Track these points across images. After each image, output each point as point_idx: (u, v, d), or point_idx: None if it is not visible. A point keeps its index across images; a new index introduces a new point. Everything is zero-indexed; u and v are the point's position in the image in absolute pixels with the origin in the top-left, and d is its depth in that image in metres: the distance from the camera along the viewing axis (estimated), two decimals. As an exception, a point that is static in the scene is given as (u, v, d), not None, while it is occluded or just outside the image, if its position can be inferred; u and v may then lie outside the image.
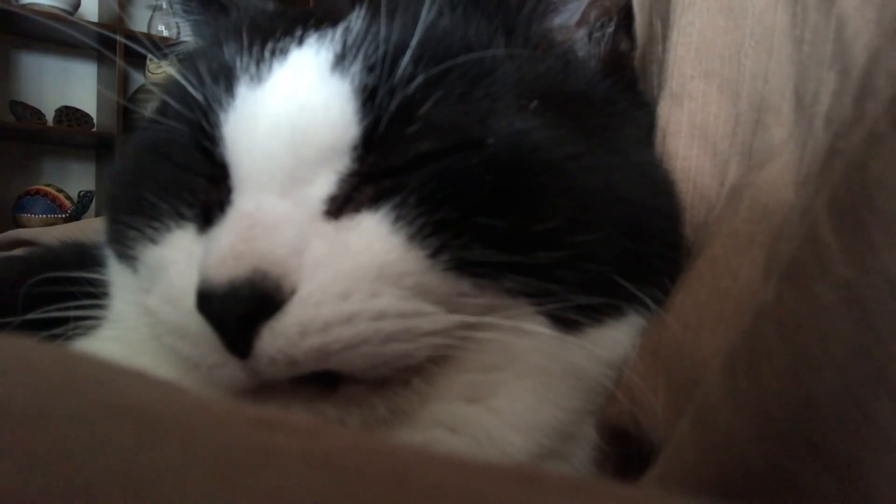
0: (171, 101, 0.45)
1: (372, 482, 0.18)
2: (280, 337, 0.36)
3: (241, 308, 0.35)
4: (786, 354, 0.26)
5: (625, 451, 0.41)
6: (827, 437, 0.25)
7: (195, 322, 0.37)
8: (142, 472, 0.16)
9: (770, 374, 0.27)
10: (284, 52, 0.42)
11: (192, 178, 0.44)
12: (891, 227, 0.24)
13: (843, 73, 0.41)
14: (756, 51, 0.48)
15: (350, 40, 0.42)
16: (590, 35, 0.50)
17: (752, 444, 0.27)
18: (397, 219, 0.38)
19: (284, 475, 0.17)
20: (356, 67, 0.40)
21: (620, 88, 0.50)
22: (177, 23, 0.62)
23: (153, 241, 0.44)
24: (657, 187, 0.46)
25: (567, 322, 0.40)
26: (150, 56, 0.53)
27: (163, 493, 0.15)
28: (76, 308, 0.46)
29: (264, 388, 0.38)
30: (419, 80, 0.39)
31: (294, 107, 0.40)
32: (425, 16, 0.41)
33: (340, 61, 0.41)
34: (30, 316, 0.44)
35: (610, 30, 0.51)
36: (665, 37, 0.53)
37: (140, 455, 0.16)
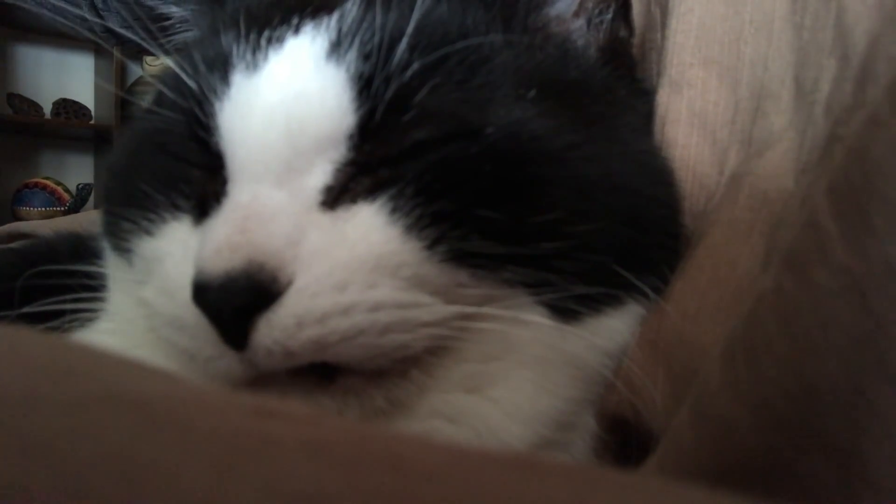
0: (167, 91, 0.45)
1: (369, 470, 0.18)
2: (277, 329, 0.35)
3: (237, 300, 0.35)
4: (785, 342, 0.26)
5: (624, 440, 0.41)
6: (827, 424, 0.25)
7: (191, 314, 0.37)
8: (137, 460, 0.16)
9: (769, 362, 0.27)
10: (281, 40, 0.42)
11: (188, 169, 0.44)
12: (891, 212, 0.23)
13: (844, 59, 0.40)
14: (756, 38, 0.48)
15: (345, 27, 0.41)
16: (588, 23, 0.50)
17: (751, 433, 0.27)
18: (394, 210, 0.38)
19: (282, 463, 0.17)
20: (352, 55, 0.40)
21: (619, 76, 0.50)
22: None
23: (148, 232, 0.44)
24: (656, 176, 0.46)
25: (566, 312, 0.40)
26: (147, 47, 0.53)
27: (158, 481, 0.15)
28: (73, 301, 0.45)
29: (262, 380, 0.38)
30: (415, 66, 0.39)
31: (289, 95, 0.40)
32: (421, 2, 0.41)
33: (336, 49, 0.40)
34: (26, 309, 0.44)
35: (608, 17, 0.50)
36: (664, 24, 0.53)
37: (135, 444, 0.16)
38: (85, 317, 0.47)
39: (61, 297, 0.45)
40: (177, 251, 0.41)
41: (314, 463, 0.18)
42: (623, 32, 0.52)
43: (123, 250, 0.46)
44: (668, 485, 0.21)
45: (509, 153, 0.39)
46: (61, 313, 0.45)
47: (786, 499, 0.25)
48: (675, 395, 0.37)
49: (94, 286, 0.49)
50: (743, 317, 0.29)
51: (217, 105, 0.41)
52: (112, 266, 0.50)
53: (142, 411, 0.17)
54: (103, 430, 0.16)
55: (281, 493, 0.16)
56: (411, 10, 0.41)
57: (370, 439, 0.20)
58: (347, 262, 0.37)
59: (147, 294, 0.42)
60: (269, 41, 0.42)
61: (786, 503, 0.18)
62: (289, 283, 0.36)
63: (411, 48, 0.40)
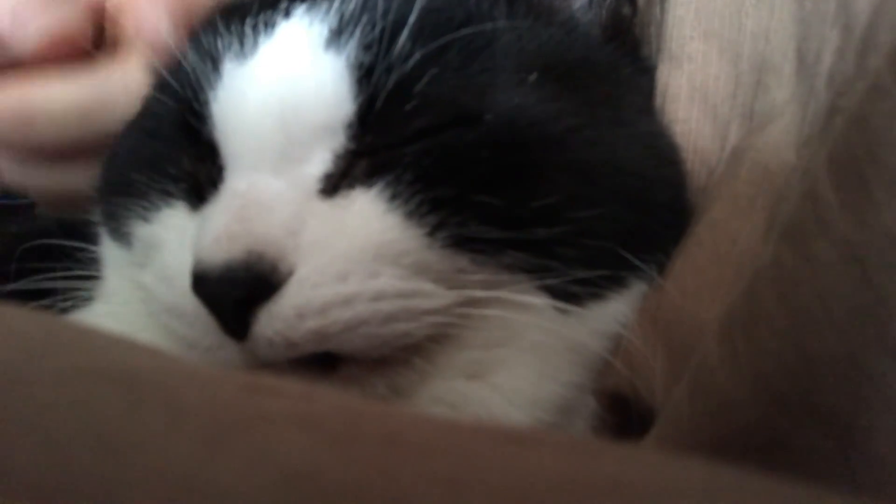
0: (168, 77, 0.44)
1: (363, 443, 0.18)
2: (278, 320, 0.35)
3: (237, 291, 0.35)
4: (784, 315, 0.26)
5: (623, 418, 0.41)
6: (825, 397, 0.25)
7: (190, 303, 0.36)
8: (124, 435, 0.16)
9: (768, 336, 0.26)
10: (271, 25, 0.41)
11: (178, 155, 0.43)
12: (892, 182, 0.23)
13: (846, 29, 0.40)
14: (757, 10, 0.47)
15: (347, 15, 0.40)
16: (590, 1, 0.49)
17: (749, 407, 0.27)
18: (393, 196, 0.38)
19: (273, 437, 0.17)
20: (352, 44, 0.39)
21: (623, 55, 0.49)
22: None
23: (145, 219, 0.44)
24: (662, 156, 0.45)
25: (568, 296, 0.40)
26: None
27: (145, 455, 0.15)
28: (64, 278, 0.45)
29: (262, 369, 0.37)
30: (417, 56, 0.38)
31: (284, 83, 0.39)
32: None
33: (336, 37, 0.40)
34: (17, 286, 0.43)
35: None
36: (663, -2, 0.52)
37: (123, 418, 0.16)
38: (79, 296, 0.47)
39: (53, 274, 0.44)
40: (174, 238, 0.41)
41: (306, 437, 0.17)
42: (626, 10, 0.51)
43: (121, 234, 0.46)
44: (664, 456, 0.21)
45: (508, 139, 0.39)
46: (54, 291, 0.45)
47: (784, 472, 0.25)
48: (674, 371, 0.37)
49: (88, 265, 0.48)
50: (742, 291, 0.29)
51: (211, 94, 0.41)
52: (108, 248, 0.49)
53: (129, 385, 0.17)
54: (90, 404, 0.16)
55: (271, 467, 0.16)
56: None
57: (363, 414, 0.20)
58: (348, 251, 0.36)
59: (146, 279, 0.42)
60: (256, 28, 0.41)
61: (784, 476, 0.18)
62: (289, 274, 0.35)
63: (414, 37, 0.39)
